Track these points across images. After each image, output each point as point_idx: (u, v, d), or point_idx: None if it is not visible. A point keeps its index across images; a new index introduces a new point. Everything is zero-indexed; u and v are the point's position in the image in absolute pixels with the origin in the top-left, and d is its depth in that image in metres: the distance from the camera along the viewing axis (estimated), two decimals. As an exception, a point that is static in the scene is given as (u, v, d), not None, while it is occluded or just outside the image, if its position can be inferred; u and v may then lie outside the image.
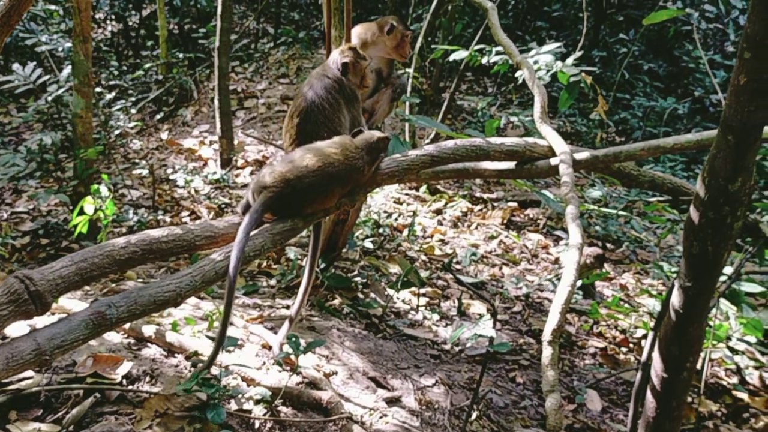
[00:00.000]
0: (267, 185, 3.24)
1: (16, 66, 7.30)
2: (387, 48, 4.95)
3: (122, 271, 4.76)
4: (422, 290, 5.60)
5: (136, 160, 9.44)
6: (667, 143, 3.90)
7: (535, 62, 5.66)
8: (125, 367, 3.35)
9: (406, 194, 8.28)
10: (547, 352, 2.94)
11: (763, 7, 2.25)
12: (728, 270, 4.27)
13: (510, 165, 4.12)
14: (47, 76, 7.36)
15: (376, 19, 5.37)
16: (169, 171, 8.82)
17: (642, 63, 13.13)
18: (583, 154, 3.97)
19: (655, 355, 3.19)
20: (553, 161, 3.93)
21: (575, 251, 3.22)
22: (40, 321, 3.29)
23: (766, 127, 2.55)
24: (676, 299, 2.97)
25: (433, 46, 8.46)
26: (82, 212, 4.67)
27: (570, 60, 5.82)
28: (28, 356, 2.56)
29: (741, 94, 2.40)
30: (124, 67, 12.24)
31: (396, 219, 7.28)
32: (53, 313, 3.76)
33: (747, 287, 4.45)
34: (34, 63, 7.44)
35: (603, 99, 6.28)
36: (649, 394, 3.28)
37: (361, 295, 5.40)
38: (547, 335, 2.97)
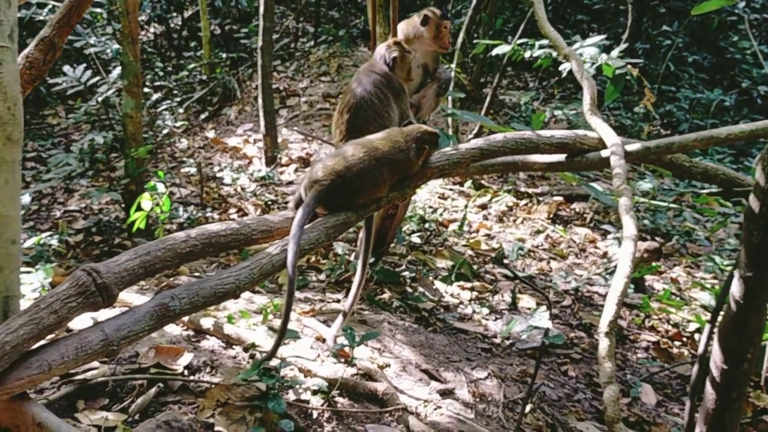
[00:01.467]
0: (318, 179, 3.29)
1: (66, 68, 7.47)
2: (427, 40, 4.95)
3: (181, 264, 4.85)
4: (470, 284, 5.61)
5: (183, 159, 9.60)
6: (720, 134, 3.85)
7: (580, 55, 5.62)
8: (186, 357, 3.43)
9: (450, 189, 8.28)
10: (603, 343, 2.93)
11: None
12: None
13: (560, 158, 4.10)
14: (96, 78, 7.52)
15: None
16: (216, 169, 8.95)
17: (686, 55, 12.91)
18: (634, 146, 3.93)
19: (715, 346, 3.15)
20: (604, 153, 3.90)
21: (630, 243, 3.20)
22: (102, 315, 3.39)
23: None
24: (736, 289, 2.94)
25: (474, 42, 8.44)
26: (139, 208, 4.78)
27: (615, 52, 5.77)
28: (96, 346, 2.64)
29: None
30: (169, 68, 12.44)
31: (441, 214, 7.29)
32: (114, 307, 3.86)
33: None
34: (84, 65, 7.61)
35: (650, 91, 6.21)
36: (708, 387, 3.25)
37: (409, 289, 5.43)
38: (603, 326, 2.96)
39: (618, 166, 3.62)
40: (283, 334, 3.12)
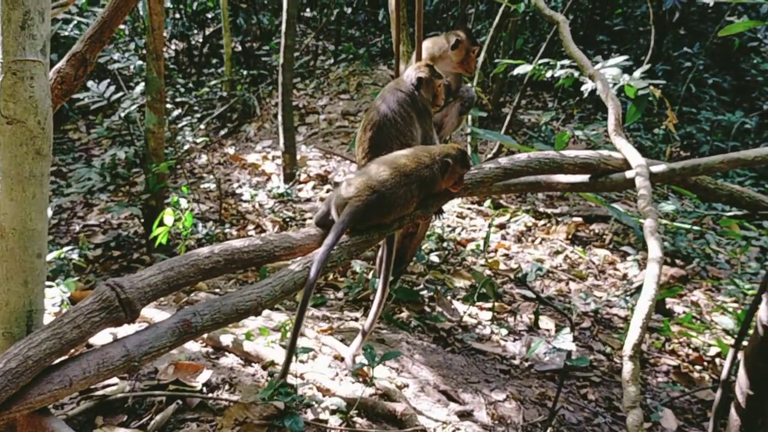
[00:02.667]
0: (351, 196, 3.29)
1: (90, 83, 7.54)
2: (453, 62, 4.94)
3: (203, 280, 4.86)
4: (489, 305, 5.57)
5: (203, 175, 9.64)
6: (747, 156, 3.82)
7: (602, 75, 5.60)
8: (205, 375, 3.42)
9: (469, 209, 8.26)
10: (627, 367, 2.89)
11: None
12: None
13: (584, 178, 4.08)
14: (119, 93, 7.59)
15: (438, 34, 5.38)
16: (235, 185, 8.98)
17: (707, 76, 12.86)
18: (659, 167, 3.90)
19: (741, 371, 3.11)
20: (629, 174, 3.87)
21: (655, 265, 3.16)
22: (122, 330, 3.39)
23: None
24: (763, 314, 2.91)
25: (495, 61, 8.45)
26: (161, 223, 4.80)
27: (637, 73, 5.75)
28: (118, 362, 2.64)
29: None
30: (189, 85, 12.54)
31: (459, 233, 7.27)
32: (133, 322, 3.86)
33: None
34: (108, 81, 7.68)
35: (672, 113, 6.17)
36: (733, 411, 3.21)
37: (428, 309, 5.40)
38: (627, 350, 2.92)
39: (643, 187, 3.58)
40: (292, 351, 3.10)
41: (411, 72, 4.27)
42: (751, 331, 3.28)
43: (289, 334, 4.17)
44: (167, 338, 2.76)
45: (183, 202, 4.75)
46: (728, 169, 3.92)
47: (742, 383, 3.09)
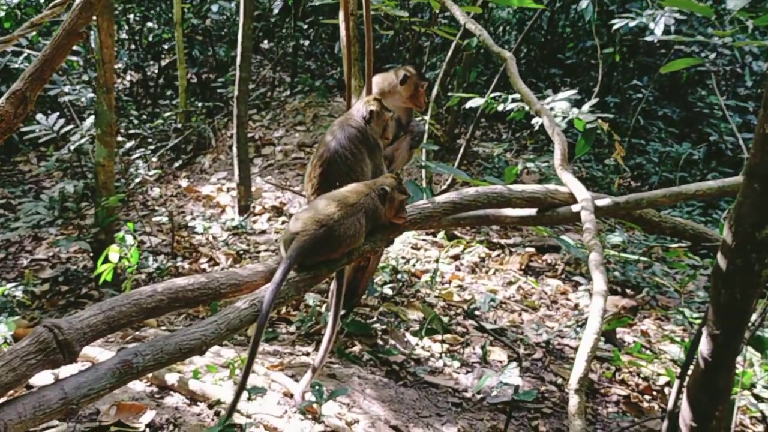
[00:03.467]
0: (299, 230, 3.29)
1: (39, 116, 7.44)
2: (403, 97, 4.99)
3: (146, 319, 4.77)
4: (441, 337, 5.57)
5: (155, 207, 9.53)
6: (689, 190, 3.91)
7: (551, 109, 5.71)
8: (148, 415, 3.35)
9: (423, 240, 8.28)
10: (573, 400, 2.90)
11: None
12: (753, 317, 4.22)
13: (531, 212, 4.13)
14: (69, 126, 7.50)
15: (392, 68, 5.43)
16: (188, 218, 8.89)
17: (656, 108, 13.18)
18: (604, 201, 3.97)
19: (684, 403, 3.15)
20: (575, 208, 3.93)
21: (600, 298, 3.20)
22: (64, 369, 3.30)
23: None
24: (704, 347, 2.95)
25: (449, 94, 8.56)
26: (106, 260, 4.72)
27: (586, 107, 5.87)
28: (55, 405, 2.57)
29: (766, 143, 2.42)
30: (144, 116, 12.44)
31: (414, 265, 7.28)
32: (77, 361, 3.77)
33: (772, 334, 4.40)
34: (57, 114, 7.58)
35: (620, 145, 6.30)
36: (677, 444, 3.24)
37: (380, 342, 5.38)
38: (573, 384, 2.94)
39: (588, 221, 3.64)
40: (242, 389, 3.06)
41: (361, 106, 4.30)
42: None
43: (238, 371, 4.12)
44: (107, 380, 2.70)
45: (129, 239, 4.68)
46: (670, 202, 4.01)
47: (685, 416, 3.13)
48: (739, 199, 2.59)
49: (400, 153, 5.05)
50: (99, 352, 3.99)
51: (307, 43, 15.16)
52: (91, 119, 7.40)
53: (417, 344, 5.44)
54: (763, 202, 2.50)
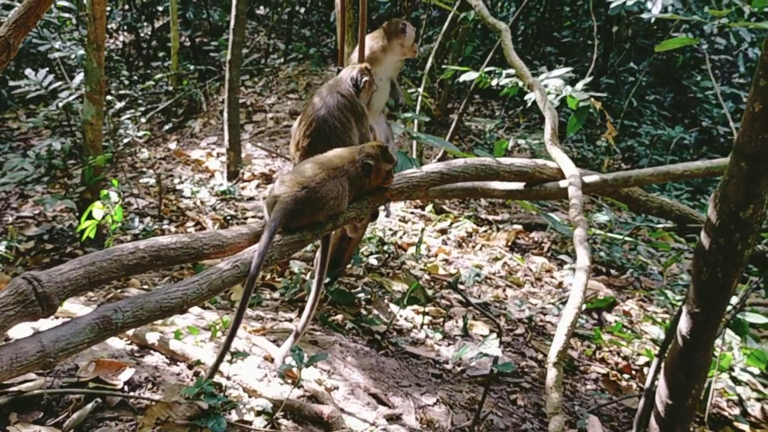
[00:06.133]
0: (281, 193, 3.29)
1: (28, 71, 7.35)
2: (404, 48, 4.98)
3: (128, 277, 4.75)
4: (425, 309, 5.58)
5: (144, 170, 9.47)
6: (676, 169, 3.91)
7: (545, 86, 5.67)
8: (127, 373, 3.34)
9: (412, 213, 8.28)
10: (551, 373, 2.92)
11: (780, 35, 2.27)
12: (734, 300, 4.25)
13: (519, 186, 4.12)
14: (59, 83, 7.40)
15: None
16: (176, 181, 8.84)
17: (650, 92, 13.17)
18: (592, 177, 3.97)
19: (661, 381, 3.17)
20: (563, 183, 3.93)
21: (582, 274, 3.21)
22: (44, 324, 3.29)
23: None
24: (683, 325, 2.96)
25: (443, 67, 8.50)
26: (90, 217, 4.68)
27: (579, 85, 5.84)
28: (32, 357, 2.56)
29: (755, 120, 2.41)
30: (135, 77, 12.31)
31: (401, 237, 7.28)
32: (57, 317, 3.76)
33: (752, 318, 4.43)
34: (46, 69, 7.48)
35: (612, 125, 6.29)
36: (652, 420, 3.26)
37: (364, 312, 5.39)
38: (552, 357, 2.96)
39: (575, 197, 3.64)
40: (226, 350, 3.06)
41: (355, 74, 4.27)
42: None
43: (220, 334, 4.12)
44: (86, 334, 2.69)
45: (113, 196, 4.63)
46: (658, 181, 4.01)
47: (662, 393, 3.15)
48: (725, 177, 2.59)
49: (379, 127, 5.03)
50: (80, 309, 3.98)
51: (303, 10, 15.03)
52: (80, 76, 7.31)
53: (399, 314, 5.45)
54: (748, 181, 2.50)
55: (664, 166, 3.95)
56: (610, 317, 6.26)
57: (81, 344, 2.67)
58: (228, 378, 3.51)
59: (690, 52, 12.66)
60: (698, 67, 13.27)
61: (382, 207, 3.97)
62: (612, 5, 6.82)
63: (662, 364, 3.28)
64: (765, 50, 2.34)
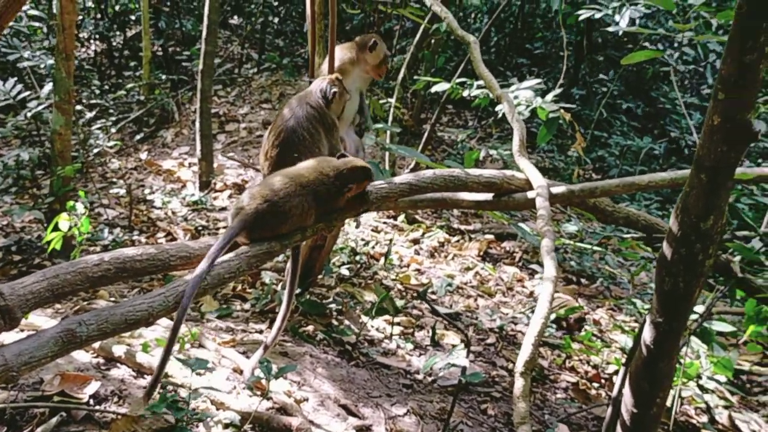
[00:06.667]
0: (244, 205, 3.28)
1: (-4, 81, 7.28)
2: (369, 66, 4.99)
3: (96, 289, 4.71)
4: (397, 319, 5.59)
5: (114, 180, 9.38)
6: (642, 180, 3.97)
7: (516, 97, 5.73)
8: (93, 386, 3.31)
9: (384, 223, 8.29)
10: (518, 383, 2.95)
11: (736, 50, 2.32)
12: (700, 308, 4.31)
13: (487, 196, 4.16)
14: (28, 92, 7.34)
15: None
16: (147, 192, 8.77)
17: (620, 102, 13.35)
18: (559, 188, 4.02)
19: (626, 390, 3.21)
20: (530, 194, 3.98)
21: (549, 284, 3.25)
22: (8, 337, 3.25)
23: (738, 167, 2.61)
24: (647, 334, 3.00)
25: (415, 78, 8.55)
26: (56, 228, 4.63)
27: (549, 96, 5.91)
28: (-6, 372, 2.52)
29: (714, 133, 2.46)
30: (106, 87, 12.22)
31: (373, 247, 7.29)
32: (22, 330, 3.71)
33: (718, 326, 4.49)
34: (15, 79, 7.42)
35: (581, 136, 6.36)
36: (619, 429, 3.29)
37: (335, 322, 5.38)
38: (519, 366, 2.99)
39: (542, 207, 3.69)
40: (165, 363, 3.00)
41: (324, 86, 4.29)
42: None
43: (188, 345, 4.10)
44: (49, 348, 2.65)
45: (80, 207, 4.59)
46: (624, 192, 4.07)
47: (627, 401, 3.19)
48: (686, 189, 2.63)
49: (348, 138, 5.03)
50: (46, 321, 3.93)
51: (276, 20, 15.02)
52: (49, 86, 7.25)
53: (370, 324, 5.45)
54: (708, 193, 2.54)
55: (630, 177, 4.01)
56: (580, 326, 6.31)
57: (44, 358, 2.64)
58: (195, 391, 3.49)
59: (659, 64, 12.85)
60: (667, 78, 13.48)
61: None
62: (581, 17, 6.91)
63: (628, 374, 3.31)
64: (723, 65, 2.39)
